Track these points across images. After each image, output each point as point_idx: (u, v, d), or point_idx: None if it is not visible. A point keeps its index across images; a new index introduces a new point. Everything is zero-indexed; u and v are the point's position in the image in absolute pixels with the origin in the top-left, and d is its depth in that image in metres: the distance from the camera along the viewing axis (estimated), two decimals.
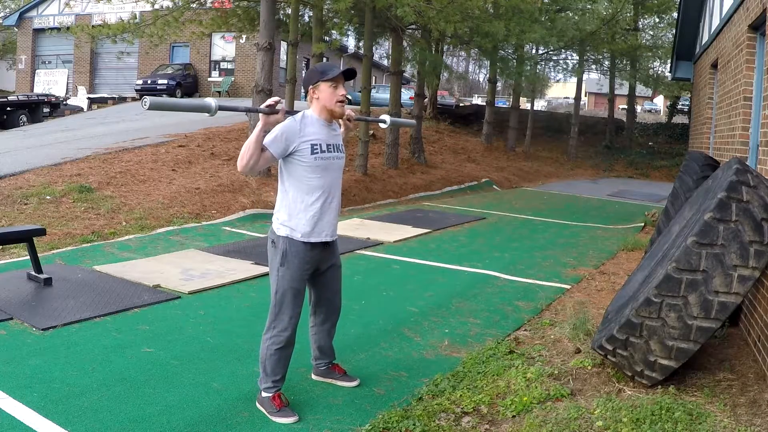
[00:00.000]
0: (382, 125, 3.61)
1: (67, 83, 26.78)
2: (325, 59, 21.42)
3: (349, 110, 3.21)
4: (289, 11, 12.65)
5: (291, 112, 3.08)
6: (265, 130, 2.94)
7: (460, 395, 3.29)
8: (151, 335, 4.11)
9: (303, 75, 3.21)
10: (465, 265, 6.49)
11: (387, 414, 3.06)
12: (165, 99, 2.71)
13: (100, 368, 3.55)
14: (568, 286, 5.78)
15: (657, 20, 21.54)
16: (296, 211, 3.07)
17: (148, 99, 2.55)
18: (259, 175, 10.19)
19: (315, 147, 3.04)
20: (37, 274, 5.12)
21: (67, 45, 25.92)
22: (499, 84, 24.99)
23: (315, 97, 3.08)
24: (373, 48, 15.08)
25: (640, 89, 26.92)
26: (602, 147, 23.37)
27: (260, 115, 2.95)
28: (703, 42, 9.51)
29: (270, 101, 2.96)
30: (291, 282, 3.08)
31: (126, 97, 24.15)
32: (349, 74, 3.07)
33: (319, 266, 3.21)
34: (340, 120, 3.29)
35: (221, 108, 2.77)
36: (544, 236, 8.53)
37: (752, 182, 3.18)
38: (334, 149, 3.14)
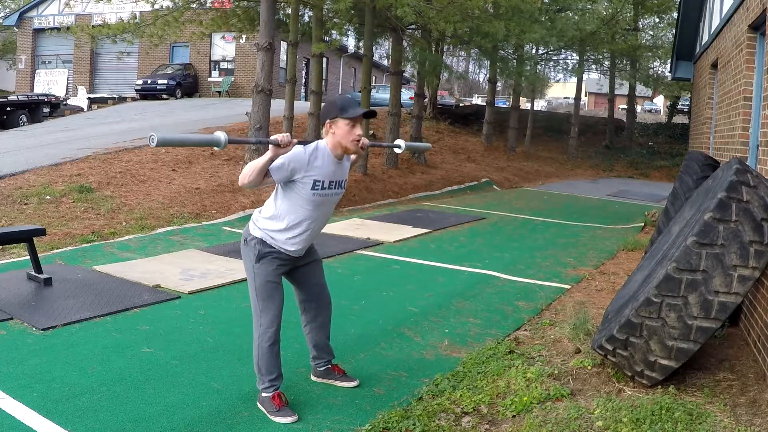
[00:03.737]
0: (396, 150, 3.57)
1: (67, 83, 26.78)
2: (325, 59, 21.48)
3: (364, 138, 3.09)
4: (289, 11, 12.66)
5: (304, 141, 3.02)
6: (273, 159, 2.89)
7: (460, 395, 3.29)
8: (151, 335, 4.11)
9: (322, 107, 3.14)
10: (465, 265, 6.50)
11: (387, 414, 3.06)
12: (173, 135, 2.68)
13: (100, 368, 3.55)
14: (568, 286, 5.78)
15: (657, 20, 21.54)
16: (279, 226, 3.08)
17: (155, 136, 2.49)
18: None
19: (317, 183, 3.01)
20: (37, 274, 5.12)
21: (67, 45, 25.92)
22: (499, 84, 25.01)
23: (331, 132, 3.02)
24: (373, 48, 15.09)
25: (640, 89, 26.92)
26: (602, 147, 23.36)
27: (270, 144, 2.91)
28: (703, 42, 9.51)
29: (284, 139, 2.86)
30: (267, 276, 3.10)
31: (126, 97, 24.17)
32: (369, 115, 3.06)
33: (295, 263, 3.23)
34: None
35: (231, 141, 2.74)
36: (544, 236, 8.53)
37: (752, 182, 3.18)
38: (335, 186, 3.11)
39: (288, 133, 2.92)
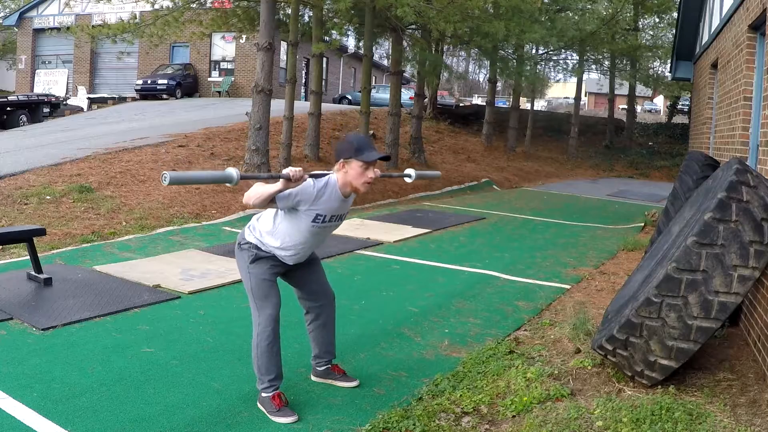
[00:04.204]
0: (407, 179, 3.56)
1: (67, 83, 26.78)
2: (325, 59, 21.47)
3: (375, 170, 3.04)
4: (289, 11, 12.65)
5: (315, 175, 2.98)
6: (282, 191, 2.88)
7: (460, 395, 3.29)
8: (151, 335, 4.11)
9: (337, 144, 3.09)
10: (465, 265, 6.49)
11: (387, 414, 3.06)
12: (184, 173, 2.67)
13: (100, 368, 3.55)
14: (568, 286, 5.78)
15: (657, 20, 21.54)
16: (274, 243, 3.11)
17: (168, 175, 2.47)
18: None
19: (319, 217, 3.03)
20: (37, 274, 5.12)
21: (67, 45, 25.92)
22: (499, 84, 25.00)
23: (343, 170, 3.00)
24: (373, 48, 15.09)
25: (640, 89, 26.93)
26: (602, 147, 23.37)
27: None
28: (703, 42, 9.51)
29: (295, 174, 2.82)
30: (262, 275, 3.12)
31: (126, 97, 24.17)
32: (384, 158, 3.06)
33: (290, 266, 3.26)
34: None
35: (243, 177, 2.74)
36: (544, 236, 8.53)
37: (752, 182, 3.18)
38: (336, 219, 3.13)
39: (300, 168, 2.89)
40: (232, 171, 2.68)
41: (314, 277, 3.36)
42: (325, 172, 3.05)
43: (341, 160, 2.99)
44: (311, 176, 2.97)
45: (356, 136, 3.06)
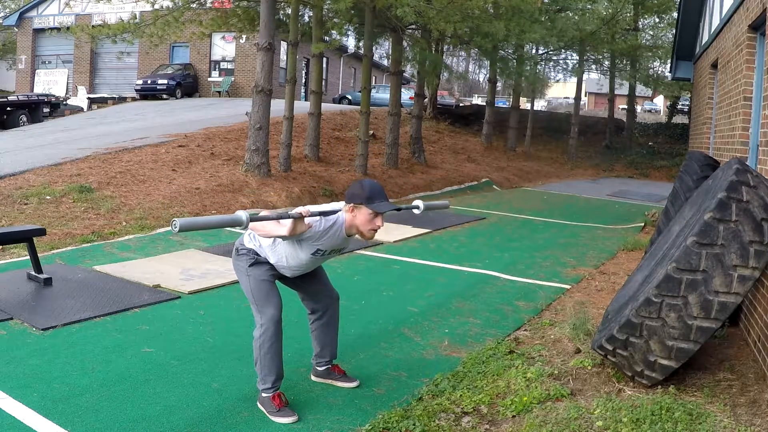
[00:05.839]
0: (415, 211, 3.54)
1: (67, 83, 26.77)
2: (325, 59, 21.47)
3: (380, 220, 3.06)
4: (289, 11, 12.65)
5: (324, 213, 2.98)
6: (287, 237, 2.90)
7: (460, 395, 3.29)
8: (151, 335, 4.11)
9: (350, 186, 3.08)
10: (465, 265, 6.50)
11: (387, 414, 3.07)
12: (194, 219, 2.67)
13: (100, 368, 3.55)
14: (568, 286, 5.78)
15: (657, 20, 21.54)
16: (273, 259, 3.15)
17: (177, 222, 2.45)
18: (259, 176, 10.19)
19: (319, 251, 3.07)
20: (37, 274, 5.12)
21: (67, 45, 25.91)
22: (499, 84, 24.97)
23: (352, 214, 3.00)
24: (373, 48, 15.08)
25: (640, 89, 26.90)
26: (602, 147, 23.36)
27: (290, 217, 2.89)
28: (703, 42, 9.51)
29: (305, 213, 2.86)
30: (261, 276, 3.14)
31: (126, 97, 24.16)
32: (395, 210, 3.10)
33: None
34: None
35: (253, 219, 2.74)
36: (544, 236, 8.53)
37: (752, 182, 3.18)
38: (336, 252, 3.18)
39: (308, 209, 2.90)
40: (242, 214, 2.69)
41: (316, 278, 3.37)
42: (335, 209, 3.03)
43: (351, 204, 2.99)
44: (320, 214, 2.96)
45: (370, 183, 3.02)
